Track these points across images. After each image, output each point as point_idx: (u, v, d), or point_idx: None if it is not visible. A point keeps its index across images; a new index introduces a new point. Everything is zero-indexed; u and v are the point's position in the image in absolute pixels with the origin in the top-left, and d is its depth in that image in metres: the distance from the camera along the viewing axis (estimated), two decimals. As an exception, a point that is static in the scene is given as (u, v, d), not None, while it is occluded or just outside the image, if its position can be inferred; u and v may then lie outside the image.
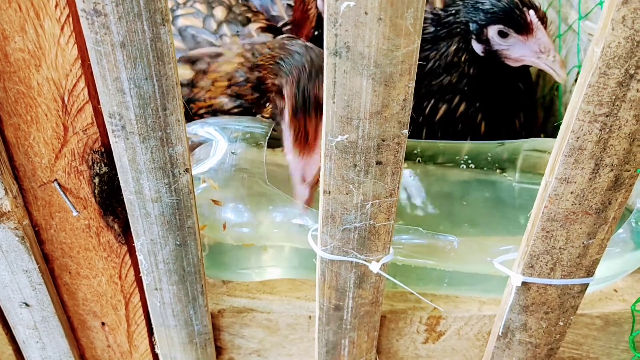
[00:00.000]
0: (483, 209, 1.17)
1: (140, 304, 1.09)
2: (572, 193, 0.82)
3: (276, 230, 1.05)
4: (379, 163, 0.83)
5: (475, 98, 1.35)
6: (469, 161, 1.24)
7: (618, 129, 0.75)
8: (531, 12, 1.21)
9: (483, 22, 1.26)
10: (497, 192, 1.20)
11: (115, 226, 0.97)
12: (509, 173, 1.22)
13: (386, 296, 1.14)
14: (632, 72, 0.69)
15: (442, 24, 1.35)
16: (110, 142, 0.82)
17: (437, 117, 1.36)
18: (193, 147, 1.13)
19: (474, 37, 1.29)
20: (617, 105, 0.72)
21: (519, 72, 1.34)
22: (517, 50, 1.26)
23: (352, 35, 0.71)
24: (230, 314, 1.13)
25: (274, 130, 1.16)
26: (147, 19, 0.70)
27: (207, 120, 1.14)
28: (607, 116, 0.73)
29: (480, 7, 1.27)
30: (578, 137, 0.76)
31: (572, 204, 0.83)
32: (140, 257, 0.97)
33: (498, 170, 1.23)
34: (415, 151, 1.24)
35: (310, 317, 1.13)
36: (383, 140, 0.81)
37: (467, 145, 1.24)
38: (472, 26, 1.28)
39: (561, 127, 0.79)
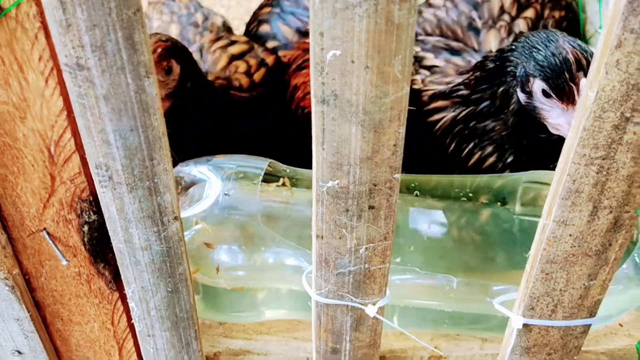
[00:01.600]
0: (483, 243, 1.15)
1: (134, 349, 1.07)
2: (570, 235, 0.80)
3: (270, 272, 1.03)
4: (371, 207, 0.81)
5: (508, 150, 1.25)
6: (470, 194, 1.22)
7: (616, 172, 0.73)
8: (583, 80, 1.03)
9: (530, 72, 1.10)
10: (497, 225, 1.18)
11: (106, 273, 0.95)
12: (510, 206, 1.20)
13: (385, 335, 1.12)
14: (628, 115, 0.68)
15: (499, 59, 1.22)
16: (98, 193, 0.81)
17: (470, 162, 1.29)
18: (187, 187, 1.12)
19: (518, 83, 1.15)
20: (614, 148, 0.71)
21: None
22: (555, 116, 1.10)
23: (339, 84, 0.69)
24: (226, 357, 1.11)
25: (269, 166, 1.14)
26: (130, 72, 0.69)
27: (200, 160, 1.13)
28: (603, 159, 0.72)
29: (535, 54, 1.10)
30: (574, 180, 0.74)
31: (571, 246, 0.81)
32: (131, 304, 0.95)
33: (498, 203, 1.20)
34: (414, 184, 1.22)
35: (307, 358, 1.11)
36: (375, 185, 0.79)
37: (468, 179, 1.21)
38: (520, 71, 1.13)
39: (557, 169, 0.77)
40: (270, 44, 1.67)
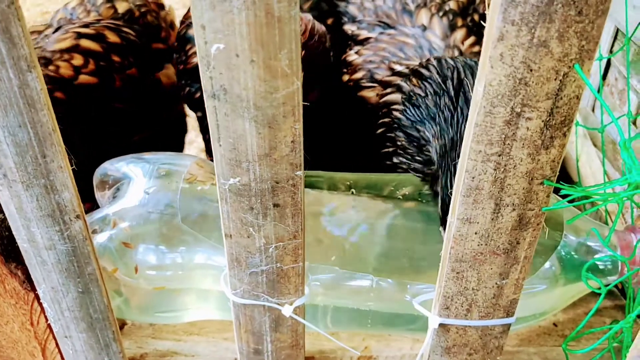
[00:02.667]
0: (420, 243, 1.13)
1: (57, 350, 1.05)
2: (476, 233, 0.78)
3: (191, 272, 1.01)
4: (276, 205, 0.80)
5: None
6: (406, 193, 1.20)
7: (513, 168, 0.71)
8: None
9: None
10: (433, 225, 1.16)
11: (19, 273, 0.93)
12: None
13: (314, 336, 1.10)
14: (519, 110, 0.66)
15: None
16: (-5, 191, 0.79)
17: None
18: (113, 184, 1.10)
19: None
20: (509, 144, 0.69)
21: None
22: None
23: (227, 78, 0.68)
24: (153, 358, 1.09)
25: (197, 164, 1.13)
26: (11, 66, 0.67)
27: (130, 157, 1.11)
28: (499, 155, 0.70)
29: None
30: (473, 177, 0.73)
31: (478, 245, 0.79)
32: (45, 305, 0.93)
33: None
34: (348, 182, 1.20)
35: (235, 359, 1.09)
36: (277, 183, 0.77)
37: (406, 176, 1.19)
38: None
39: (458, 166, 0.75)
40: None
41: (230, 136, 0.73)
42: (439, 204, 0.99)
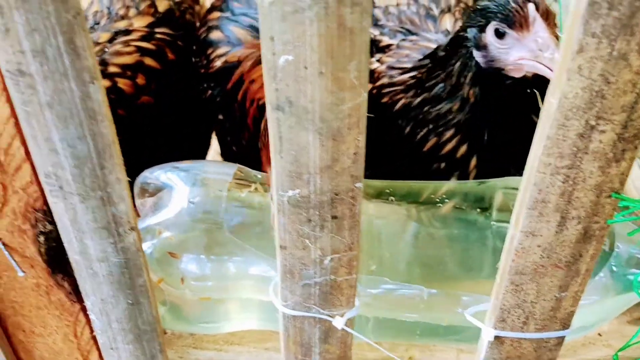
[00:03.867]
0: (462, 251, 1.12)
1: (99, 360, 1.04)
2: (539, 246, 0.77)
3: (237, 282, 1.00)
4: (334, 217, 0.79)
5: (472, 131, 1.21)
6: (446, 200, 1.18)
7: (582, 181, 0.70)
8: (530, 5, 1.04)
9: (481, 23, 1.10)
10: (475, 232, 1.15)
11: (66, 284, 0.92)
12: (488, 213, 1.17)
13: (359, 346, 1.09)
14: (593, 123, 0.65)
15: (451, 42, 1.22)
16: (49, 203, 0.78)
17: (425, 149, 1.27)
18: (153, 193, 1.09)
19: (473, 45, 1.14)
20: (580, 157, 0.68)
21: (536, 104, 1.15)
22: (514, 52, 1.08)
23: (294, 90, 0.66)
24: (195, 369, 1.08)
25: (239, 172, 1.12)
26: (74, 77, 0.66)
27: (166, 165, 1.10)
28: (569, 168, 0.69)
29: (479, 7, 1.11)
30: (540, 190, 0.71)
31: (540, 257, 0.78)
32: (92, 317, 0.92)
33: (478, 209, 1.17)
34: (388, 190, 1.19)
35: (279, 370, 1.08)
36: (336, 195, 0.76)
37: (443, 185, 1.18)
38: (471, 32, 1.14)
39: (523, 178, 0.74)
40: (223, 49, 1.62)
41: (292, 148, 0.72)
42: None
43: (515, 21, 1.06)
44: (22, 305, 0.96)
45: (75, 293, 0.93)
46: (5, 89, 0.72)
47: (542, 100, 1.22)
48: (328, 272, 0.85)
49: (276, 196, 0.77)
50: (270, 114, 0.69)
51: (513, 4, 1.06)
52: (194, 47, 1.71)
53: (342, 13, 0.61)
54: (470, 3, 1.68)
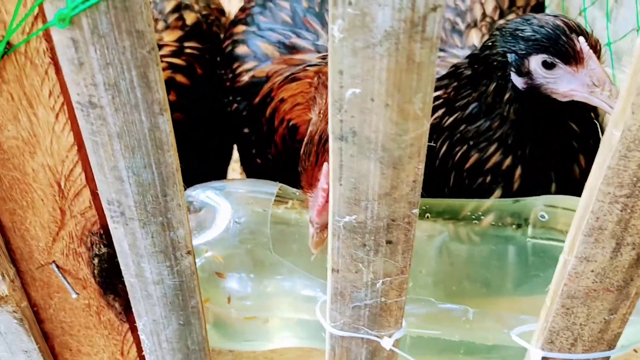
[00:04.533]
0: (498, 268, 1.13)
1: (144, 378, 1.05)
2: (592, 271, 0.78)
3: (282, 301, 1.01)
4: (389, 242, 0.80)
5: (516, 144, 1.22)
6: (482, 217, 1.20)
7: (640, 209, 0.71)
8: (581, 39, 1.05)
9: (523, 52, 1.10)
10: (510, 249, 1.16)
11: (116, 305, 0.93)
12: (523, 230, 1.18)
13: (399, 364, 1.10)
14: (654, 154, 0.66)
15: (479, 61, 1.22)
16: (110, 228, 0.79)
17: (467, 165, 1.27)
18: (195, 212, 1.10)
19: (513, 69, 1.14)
20: (639, 186, 0.69)
21: (572, 112, 1.19)
22: (565, 84, 1.09)
23: (358, 121, 0.68)
24: (237, 385, 1.09)
25: (278, 189, 1.13)
26: (144, 109, 0.67)
27: (209, 185, 1.11)
28: (628, 197, 0.70)
29: (520, 34, 1.10)
30: (598, 218, 0.72)
31: (592, 282, 0.79)
32: (142, 337, 0.94)
33: (514, 226, 1.18)
34: (424, 207, 1.20)
35: (320, 387, 1.09)
36: (393, 220, 0.77)
37: (480, 202, 1.19)
38: (511, 57, 1.13)
39: (579, 206, 0.75)
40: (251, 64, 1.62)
41: (352, 176, 0.73)
42: None
43: (569, 56, 1.06)
44: (70, 325, 0.97)
45: (125, 313, 0.95)
46: (70, 118, 0.74)
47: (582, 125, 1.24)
48: (379, 294, 0.86)
49: (332, 221, 0.79)
50: (332, 143, 0.71)
51: (564, 38, 1.06)
52: (219, 59, 1.73)
53: (412, 48, 0.62)
54: (496, 18, 1.69)
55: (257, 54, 1.59)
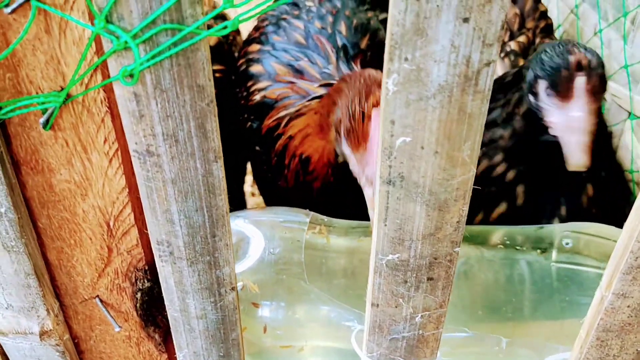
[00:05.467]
0: (523, 293, 1.15)
1: (178, 406, 1.07)
2: (628, 307, 0.80)
3: (315, 330, 1.03)
4: (430, 279, 0.82)
5: (518, 159, 1.26)
6: (507, 242, 1.22)
7: (678, 249, 0.73)
8: (580, 78, 1.08)
9: (538, 74, 1.14)
10: (535, 274, 1.19)
11: (156, 336, 0.95)
12: (547, 255, 1.20)
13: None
14: (695, 199, 0.68)
15: (517, 72, 1.26)
16: (157, 266, 0.81)
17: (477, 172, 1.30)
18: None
19: (528, 86, 1.18)
20: (678, 228, 0.71)
21: None
22: (553, 115, 1.14)
23: (407, 167, 0.70)
24: (269, 411, 1.11)
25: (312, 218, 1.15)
26: (199, 157, 0.69)
27: (239, 214, 1.13)
28: (667, 238, 0.72)
29: (543, 56, 1.15)
30: (637, 257, 0.75)
31: (628, 317, 0.82)
32: (182, 368, 0.95)
33: (538, 251, 1.20)
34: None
35: (351, 412, 1.11)
36: (435, 259, 0.79)
37: (505, 228, 1.21)
38: (529, 74, 1.17)
39: (618, 244, 0.77)
40: (264, 84, 1.64)
41: (398, 217, 0.75)
42: None
43: (561, 89, 1.11)
44: (110, 356, 0.99)
45: (165, 343, 0.96)
46: (122, 163, 0.76)
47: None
48: (417, 327, 0.88)
49: (374, 259, 0.81)
50: (380, 187, 0.73)
51: (565, 71, 1.10)
52: (233, 78, 1.74)
53: (464, 101, 0.64)
54: (506, 39, 1.72)
55: (270, 74, 1.60)
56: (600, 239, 1.17)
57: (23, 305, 0.87)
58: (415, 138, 0.67)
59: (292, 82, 1.55)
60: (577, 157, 1.10)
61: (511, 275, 1.18)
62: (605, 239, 1.16)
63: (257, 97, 1.60)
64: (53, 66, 0.68)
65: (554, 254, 1.20)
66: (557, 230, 1.18)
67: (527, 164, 1.28)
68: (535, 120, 1.19)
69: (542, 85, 1.15)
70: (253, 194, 2.32)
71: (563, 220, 1.30)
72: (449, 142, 0.67)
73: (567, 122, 1.13)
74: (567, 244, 1.16)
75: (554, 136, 1.16)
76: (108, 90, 0.70)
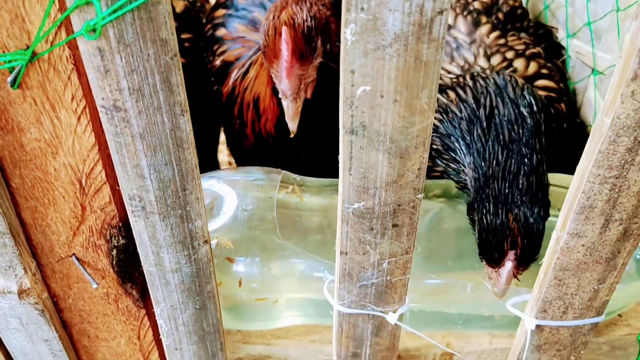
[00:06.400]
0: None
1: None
2: (583, 245, 0.85)
3: (289, 282, 1.06)
4: (395, 225, 0.85)
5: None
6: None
7: (627, 189, 0.77)
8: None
9: None
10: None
11: (134, 292, 0.98)
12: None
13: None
14: (640, 139, 0.72)
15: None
16: (130, 222, 0.83)
17: None
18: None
19: None
20: (626, 168, 0.75)
21: None
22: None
23: (368, 116, 0.72)
24: (247, 363, 1.15)
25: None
26: (166, 111, 0.71)
27: (212, 174, 1.15)
28: (616, 178, 0.76)
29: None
30: (589, 197, 0.79)
31: (583, 255, 0.86)
32: (160, 322, 0.98)
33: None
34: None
35: (326, 360, 1.16)
36: (399, 205, 0.83)
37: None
38: None
39: (571, 187, 0.81)
40: (225, 46, 1.64)
41: (362, 166, 0.78)
42: (476, 236, 1.04)
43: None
44: (89, 313, 1.01)
45: (142, 299, 0.99)
46: (91, 121, 0.77)
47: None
48: (385, 273, 0.92)
49: (341, 208, 0.84)
50: (343, 137, 0.75)
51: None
52: (201, 44, 1.74)
53: (419, 49, 0.66)
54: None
55: (232, 35, 1.60)
56: (563, 189, 1.21)
57: (0, 265, 0.89)
58: (374, 87, 0.70)
59: (242, 37, 1.55)
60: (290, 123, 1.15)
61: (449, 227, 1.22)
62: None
63: (218, 61, 1.60)
64: (18, 25, 0.68)
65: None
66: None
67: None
68: None
69: None
70: (230, 163, 2.33)
71: None
72: (407, 90, 0.70)
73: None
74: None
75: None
76: (73, 47, 0.71)
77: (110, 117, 0.71)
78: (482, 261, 1.03)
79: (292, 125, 1.14)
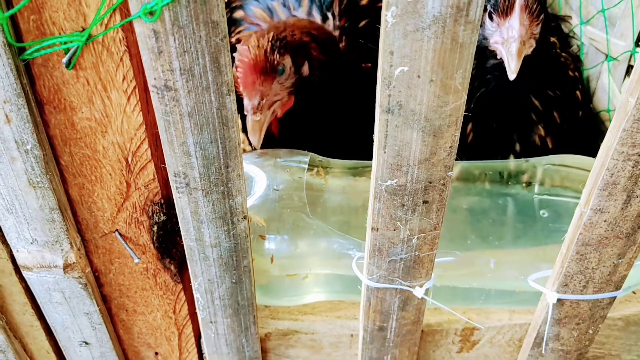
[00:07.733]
0: (507, 223, 1.24)
1: (192, 333, 1.15)
2: (605, 221, 0.89)
3: (319, 259, 1.11)
4: (425, 202, 0.89)
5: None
6: (492, 177, 1.30)
7: (649, 165, 0.81)
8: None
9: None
10: (518, 205, 1.27)
11: (172, 267, 1.02)
12: (529, 187, 1.29)
13: (422, 311, 1.21)
14: (663, 117, 0.76)
15: None
16: (174, 197, 0.87)
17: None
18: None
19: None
20: (649, 145, 0.79)
21: (535, 87, 1.31)
22: (493, 37, 1.19)
23: (405, 95, 0.76)
24: (276, 337, 1.19)
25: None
26: (214, 91, 0.75)
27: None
28: (639, 155, 0.80)
29: None
30: (612, 174, 0.83)
31: (604, 230, 0.90)
32: (197, 295, 1.03)
33: (523, 184, 1.29)
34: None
35: (352, 335, 1.20)
36: (430, 182, 0.87)
37: (488, 164, 1.29)
38: None
39: (595, 164, 0.85)
40: (241, 27, 1.66)
41: (396, 144, 0.82)
42: None
43: (499, 8, 1.17)
44: (128, 288, 1.06)
45: (180, 274, 1.03)
46: (140, 101, 0.81)
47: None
48: (413, 249, 0.96)
49: (374, 185, 0.88)
50: (379, 116, 0.79)
51: None
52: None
53: (456, 30, 0.70)
54: None
55: (249, 18, 1.63)
56: (581, 170, 1.26)
57: (47, 240, 0.93)
58: (412, 67, 0.73)
59: (258, 25, 1.58)
60: (512, 65, 1.15)
61: (497, 207, 1.27)
62: (583, 170, 1.25)
63: (233, 40, 1.63)
64: (75, 7, 0.72)
65: (536, 187, 1.28)
66: (539, 163, 1.26)
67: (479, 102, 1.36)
68: (481, 51, 1.25)
69: (486, 11, 1.20)
70: (245, 150, 2.37)
71: (518, 156, 1.38)
72: (442, 70, 0.74)
73: (505, 36, 1.18)
74: (548, 175, 1.25)
75: (500, 60, 1.20)
76: (126, 30, 0.75)
77: (161, 96, 0.75)
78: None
79: (252, 140, 1.16)
